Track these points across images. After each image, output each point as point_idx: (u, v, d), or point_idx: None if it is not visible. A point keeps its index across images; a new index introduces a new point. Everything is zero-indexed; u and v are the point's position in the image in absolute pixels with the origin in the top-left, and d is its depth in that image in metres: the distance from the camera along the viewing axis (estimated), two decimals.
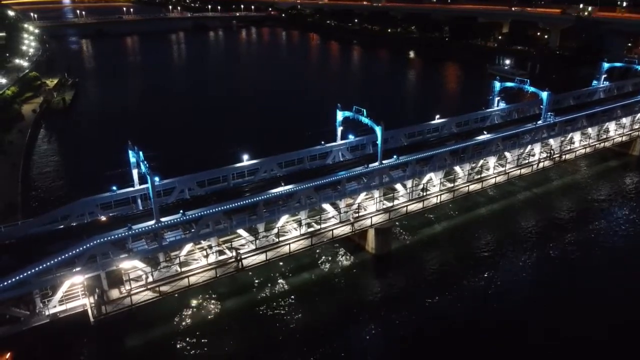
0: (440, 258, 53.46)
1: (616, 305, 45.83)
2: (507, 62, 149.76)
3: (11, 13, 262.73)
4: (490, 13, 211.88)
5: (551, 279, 49.84)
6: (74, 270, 37.59)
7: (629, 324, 43.58)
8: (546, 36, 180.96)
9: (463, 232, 58.37)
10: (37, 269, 35.66)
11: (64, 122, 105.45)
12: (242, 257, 44.04)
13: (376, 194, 53.02)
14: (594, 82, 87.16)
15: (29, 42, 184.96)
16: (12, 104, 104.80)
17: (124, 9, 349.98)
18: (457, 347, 41.11)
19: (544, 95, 64.96)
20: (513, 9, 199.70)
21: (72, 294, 38.96)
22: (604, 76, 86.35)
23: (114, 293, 40.34)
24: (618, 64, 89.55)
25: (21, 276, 35.06)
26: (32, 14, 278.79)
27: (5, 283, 34.44)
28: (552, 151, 67.66)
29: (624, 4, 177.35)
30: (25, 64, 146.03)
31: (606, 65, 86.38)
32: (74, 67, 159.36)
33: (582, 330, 42.61)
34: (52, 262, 36.23)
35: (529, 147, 65.22)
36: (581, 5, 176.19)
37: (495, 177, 61.50)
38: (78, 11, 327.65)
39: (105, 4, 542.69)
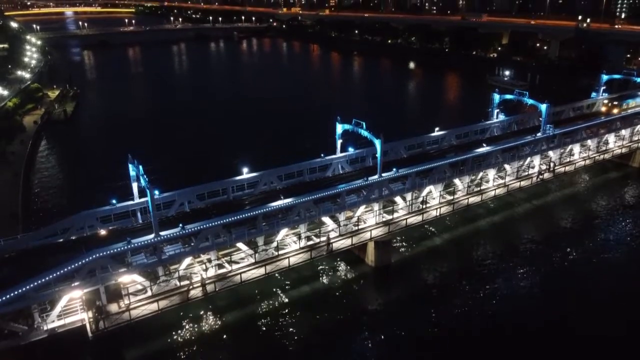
0: (440, 270, 53.33)
1: (618, 317, 45.58)
2: (507, 72, 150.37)
3: (14, 25, 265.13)
4: (490, 24, 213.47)
5: (552, 292, 49.58)
6: (73, 284, 37.51)
7: (631, 335, 43.41)
8: (545, 47, 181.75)
9: (463, 245, 58.25)
10: (36, 283, 35.59)
11: (65, 134, 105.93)
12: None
13: (376, 206, 52.99)
14: (593, 94, 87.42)
15: (31, 54, 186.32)
16: (14, 115, 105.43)
17: (126, 20, 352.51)
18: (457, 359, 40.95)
19: (543, 107, 65.14)
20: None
21: (71, 308, 38.82)
22: (602, 88, 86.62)
23: (113, 307, 40.20)
24: (617, 76, 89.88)
25: (20, 290, 35.01)
26: (34, 26, 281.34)
27: (4, 297, 34.38)
28: (552, 163, 67.61)
29: (623, 15, 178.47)
30: (27, 75, 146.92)
31: (605, 77, 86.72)
32: (76, 78, 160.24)
33: (583, 343, 42.38)
34: (51, 276, 36.14)
35: (529, 159, 65.27)
36: (580, 17, 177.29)
37: (495, 189, 61.48)
38: (80, 22, 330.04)
39: (107, 15, 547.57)
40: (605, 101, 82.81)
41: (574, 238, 59.56)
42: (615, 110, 78.67)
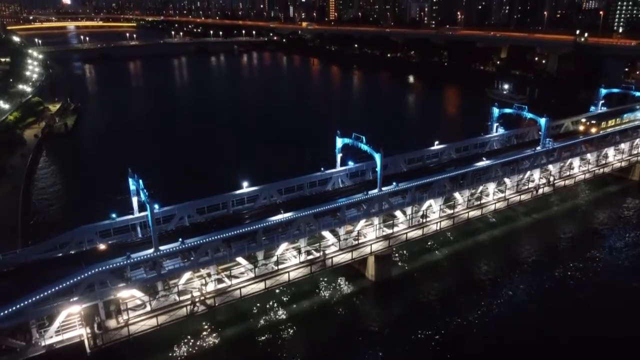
0: (440, 284, 53.03)
1: (619, 329, 45.26)
2: (506, 86, 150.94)
3: (16, 39, 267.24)
4: (484, 38, 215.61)
5: (552, 306, 49.24)
6: (72, 299, 37.25)
7: (632, 348, 43.09)
8: (544, 61, 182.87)
9: (463, 259, 58.02)
10: (34, 298, 35.36)
11: (65, 147, 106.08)
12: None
13: (376, 220, 52.87)
14: (592, 108, 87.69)
15: (33, 68, 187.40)
16: (15, 129, 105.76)
17: (127, 34, 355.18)
18: None
19: (542, 121, 65.34)
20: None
21: (69, 323, 38.50)
22: (601, 102, 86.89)
23: (112, 323, 39.87)
24: (615, 90, 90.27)
25: (18, 306, 34.74)
26: (36, 40, 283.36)
27: (2, 313, 34.12)
28: (552, 177, 67.64)
29: (620, 29, 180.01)
30: (28, 89, 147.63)
31: (604, 91, 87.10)
32: (77, 92, 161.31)
33: (584, 357, 42.13)
34: (49, 291, 35.92)
35: (528, 173, 65.29)
36: (577, 32, 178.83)
37: (495, 203, 61.41)
38: (82, 37, 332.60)
39: (109, 30, 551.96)
40: (583, 120, 79.29)
41: (575, 252, 59.29)
42: (593, 130, 75.65)
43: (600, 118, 78.96)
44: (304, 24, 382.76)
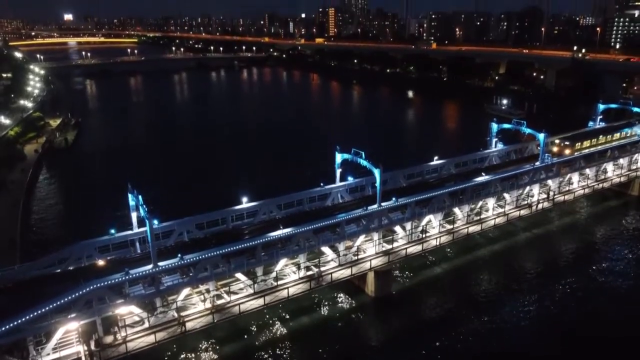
0: (440, 300, 52.75)
1: (618, 345, 44.93)
2: (505, 101, 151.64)
3: (18, 54, 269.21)
4: (481, 53, 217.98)
5: (552, 321, 48.93)
6: (69, 316, 37.01)
7: None
8: (542, 77, 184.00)
9: (463, 274, 57.77)
10: (32, 315, 35.14)
11: (65, 162, 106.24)
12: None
13: (375, 236, 52.75)
14: (590, 123, 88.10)
15: (34, 83, 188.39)
16: (15, 144, 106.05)
17: (129, 50, 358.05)
18: None
19: (541, 136, 65.56)
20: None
21: (66, 340, 38.16)
22: (599, 117, 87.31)
23: (109, 339, 39.56)
24: (613, 105, 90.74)
25: (16, 322, 34.52)
26: (38, 56, 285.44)
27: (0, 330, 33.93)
28: (551, 192, 67.61)
29: (617, 45, 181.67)
30: (29, 104, 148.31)
31: (602, 106, 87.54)
32: (78, 107, 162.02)
33: None
34: (47, 308, 35.72)
35: (528, 188, 65.31)
36: (575, 47, 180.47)
37: (495, 218, 61.32)
38: (83, 52, 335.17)
39: (110, 45, 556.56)
40: (557, 141, 75.57)
41: (575, 267, 59.10)
42: (567, 151, 73.02)
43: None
44: (319, 40, 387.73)
